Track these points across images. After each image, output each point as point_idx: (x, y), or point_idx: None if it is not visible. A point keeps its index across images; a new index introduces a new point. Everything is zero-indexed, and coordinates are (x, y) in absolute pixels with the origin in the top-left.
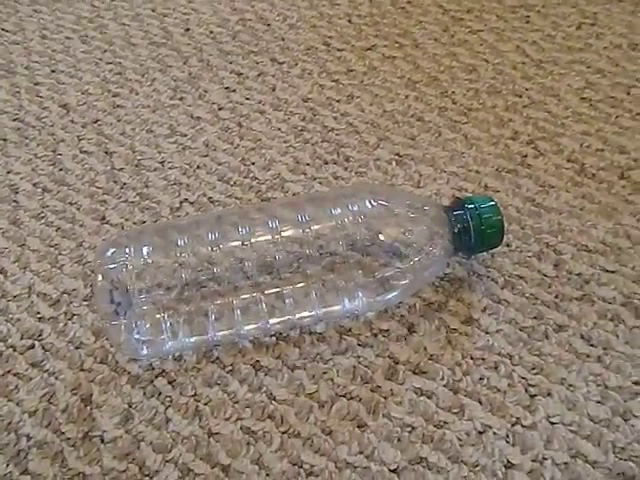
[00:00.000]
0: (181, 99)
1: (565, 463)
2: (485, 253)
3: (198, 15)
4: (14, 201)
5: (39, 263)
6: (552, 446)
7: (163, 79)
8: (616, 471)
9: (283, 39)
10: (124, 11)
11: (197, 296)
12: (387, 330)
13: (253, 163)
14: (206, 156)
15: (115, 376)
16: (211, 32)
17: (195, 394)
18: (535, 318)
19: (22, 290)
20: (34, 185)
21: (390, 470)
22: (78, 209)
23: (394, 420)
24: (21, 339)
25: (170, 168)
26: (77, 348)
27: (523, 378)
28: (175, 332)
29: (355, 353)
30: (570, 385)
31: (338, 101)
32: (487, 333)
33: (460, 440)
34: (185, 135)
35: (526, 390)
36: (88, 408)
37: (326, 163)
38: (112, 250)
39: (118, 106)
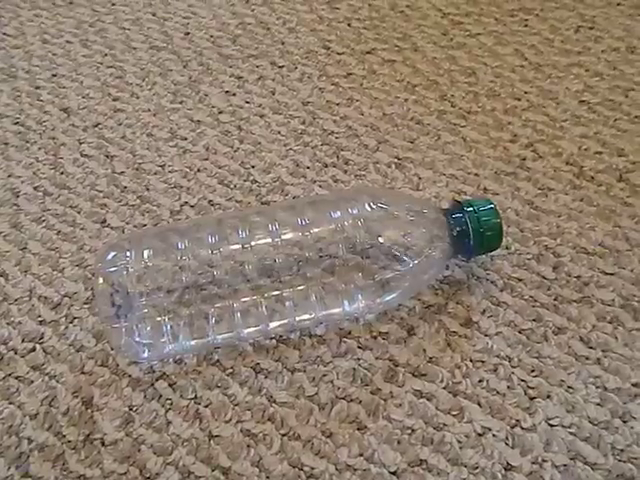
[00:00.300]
0: (181, 103)
1: (564, 465)
2: (484, 256)
3: (198, 19)
4: (15, 204)
5: (40, 266)
6: (551, 448)
7: (163, 83)
8: (615, 473)
9: (283, 43)
10: (124, 15)
11: (197, 299)
12: (387, 332)
13: (253, 166)
14: (206, 159)
15: (116, 379)
16: (211, 36)
17: (195, 397)
18: (534, 320)
19: (23, 293)
20: (35, 188)
21: (390, 472)
22: (79, 212)
23: (394, 422)
24: (22, 342)
25: (170, 171)
26: (78, 351)
27: (522, 380)
28: (175, 335)
29: (355, 355)
30: (569, 387)
31: (338, 104)
32: (486, 335)
33: (460, 442)
34: (185, 139)
35: (525, 392)
36: (89, 411)
37: (326, 166)
38: (113, 253)
39: (119, 110)
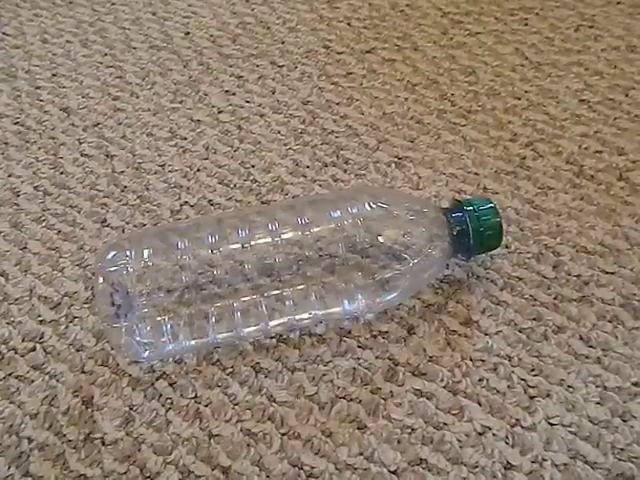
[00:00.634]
0: (181, 102)
1: (564, 464)
2: (484, 255)
3: (198, 19)
4: (15, 204)
5: (40, 266)
6: (551, 447)
7: (163, 82)
8: (615, 472)
9: (283, 42)
10: (124, 15)
11: (197, 298)
12: (387, 332)
13: (253, 166)
14: (206, 159)
15: (116, 378)
16: (211, 35)
17: (196, 396)
18: (534, 319)
19: (23, 293)
20: (35, 188)
21: (390, 471)
22: (79, 212)
23: (394, 422)
24: (22, 342)
25: (170, 171)
26: (78, 351)
27: (522, 379)
28: (176, 334)
29: (355, 355)
30: (569, 386)
31: (338, 104)
32: (486, 334)
33: (460, 441)
34: (185, 138)
35: (525, 391)
36: (89, 410)
37: (326, 165)
38: (113, 253)
39: (119, 109)
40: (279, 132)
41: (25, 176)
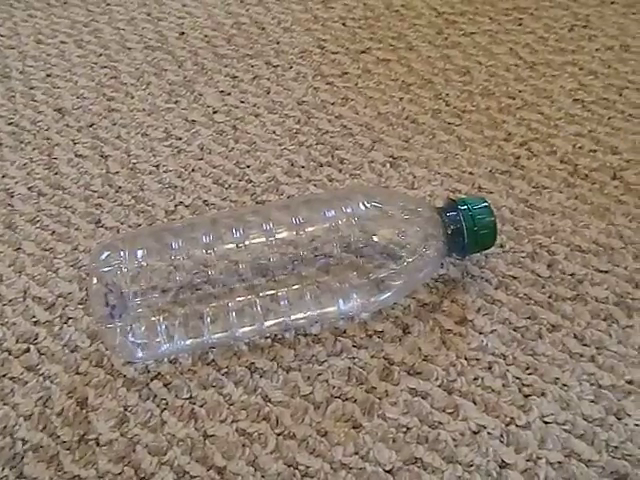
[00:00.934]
0: (176, 102)
1: (559, 462)
2: (479, 254)
3: (193, 19)
4: (9, 205)
5: (34, 267)
6: (546, 445)
7: (158, 83)
8: (610, 470)
9: (278, 42)
10: (119, 15)
11: (192, 299)
12: (382, 331)
13: (248, 166)
14: (201, 159)
15: (110, 379)
16: (206, 36)
17: (190, 396)
18: (529, 318)
19: (17, 294)
20: (29, 189)
21: (385, 471)
22: (73, 213)
23: (389, 421)
24: (16, 343)
25: (165, 171)
26: (72, 351)
27: (517, 378)
28: (170, 335)
29: (350, 354)
30: (564, 385)
31: (332, 104)
32: (481, 333)
33: (455, 440)
34: (180, 138)
35: (520, 390)
36: (84, 411)
37: (321, 165)
38: (107, 253)
39: (113, 110)
40: (274, 132)
41: (19, 177)
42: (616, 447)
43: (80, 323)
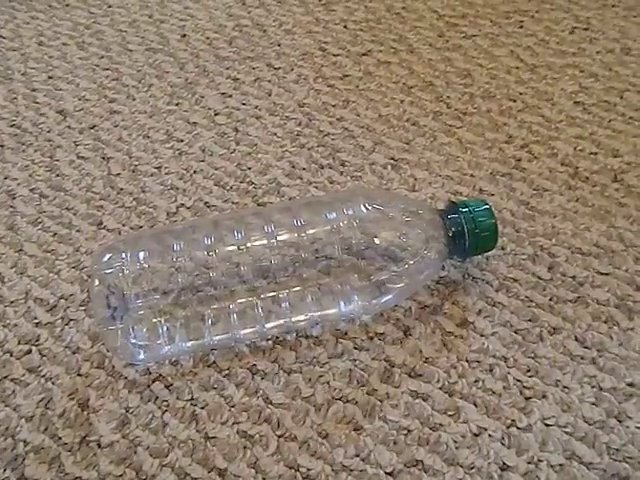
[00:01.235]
0: (178, 105)
1: (560, 465)
2: (480, 256)
3: (194, 21)
4: (11, 207)
5: (36, 268)
6: (547, 448)
7: (160, 85)
8: (611, 472)
9: (279, 45)
10: (121, 17)
11: (193, 300)
12: (383, 333)
13: (249, 168)
14: (202, 161)
15: (112, 381)
16: (207, 38)
17: (192, 398)
18: (530, 320)
19: (19, 295)
20: (31, 191)
21: (386, 473)
22: (75, 214)
23: (390, 423)
24: (18, 344)
25: (167, 173)
26: (74, 353)
27: (518, 380)
28: (172, 337)
29: (351, 356)
30: (565, 387)
31: (334, 106)
32: (482, 336)
33: (456, 442)
34: (182, 140)
35: (521, 392)
36: (85, 413)
37: (322, 167)
38: (108, 255)
39: (115, 112)
40: (275, 134)
41: (21, 178)
42: (617, 450)
43: (82, 325)
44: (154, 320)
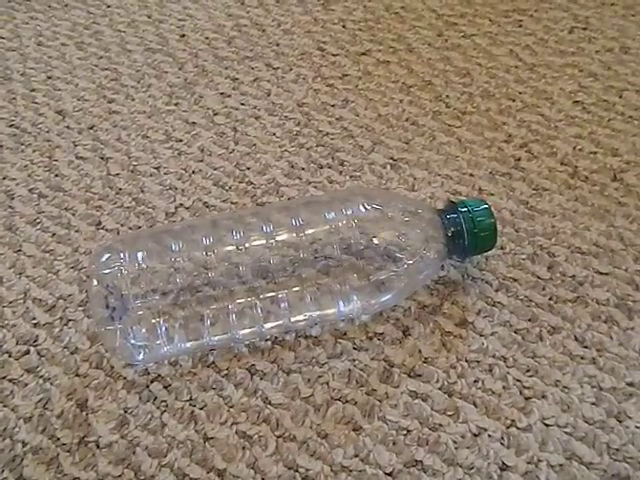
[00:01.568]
0: (177, 105)
1: (560, 465)
2: (479, 256)
3: (193, 21)
4: (10, 207)
5: (35, 269)
6: (547, 448)
7: (159, 85)
8: (611, 472)
9: (278, 44)
10: (120, 17)
11: (192, 301)
12: (382, 333)
13: (248, 168)
14: (201, 161)
15: (110, 381)
16: (206, 38)
17: (191, 399)
18: (529, 320)
19: (17, 296)
20: (30, 191)
21: (385, 473)
22: (74, 215)
23: (389, 423)
24: (16, 345)
25: (166, 173)
26: (72, 353)
27: (518, 380)
28: (171, 337)
29: (350, 356)
30: (564, 387)
31: (333, 106)
32: (481, 336)
33: (455, 443)
34: (180, 140)
35: (521, 392)
36: (83, 413)
37: (321, 167)
38: (107, 255)
39: (114, 112)
40: (274, 134)
41: (20, 179)
42: (617, 449)
43: (80, 325)
44: (153, 320)
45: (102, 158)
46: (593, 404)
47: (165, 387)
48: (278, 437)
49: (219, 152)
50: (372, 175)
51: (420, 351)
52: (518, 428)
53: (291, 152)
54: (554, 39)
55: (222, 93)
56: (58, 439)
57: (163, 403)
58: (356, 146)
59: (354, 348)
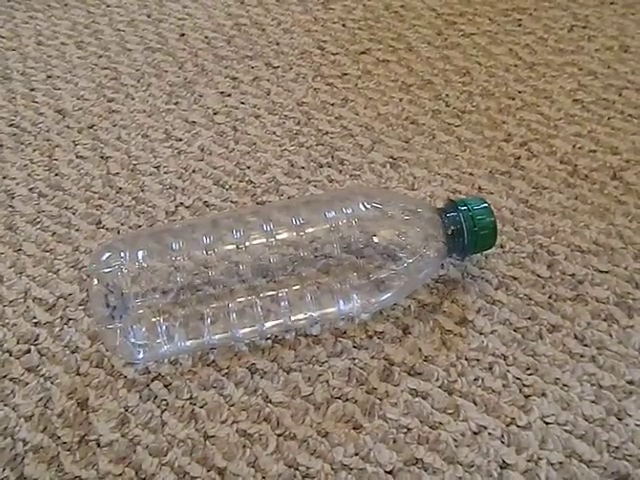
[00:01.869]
0: (176, 104)
1: (560, 463)
2: (479, 254)
3: (193, 20)
4: (10, 206)
5: (35, 268)
6: (547, 446)
7: (158, 84)
8: (611, 470)
9: (278, 43)
10: (119, 17)
11: (193, 300)
12: (382, 332)
13: (248, 167)
14: (201, 160)
15: (111, 380)
16: (206, 37)
17: (191, 397)
18: (529, 319)
19: (18, 295)
20: (30, 190)
21: (386, 471)
22: (74, 214)
23: (389, 421)
24: (17, 344)
25: (166, 172)
26: (73, 352)
27: (517, 378)
28: (171, 336)
29: (350, 355)
30: (564, 385)
31: (332, 105)
32: (481, 334)
33: (455, 441)
34: (180, 139)
35: (520, 390)
36: (84, 412)
37: (321, 166)
38: (107, 254)
39: (114, 111)
40: (274, 133)
41: (20, 178)
42: (617, 447)
43: (81, 324)
44: (153, 319)
45: (102, 157)
46: (593, 402)
47: (165, 386)
48: (278, 436)
49: (219, 151)
50: (372, 174)
51: (420, 349)
52: (518, 426)
53: (291, 151)
54: (554, 38)
55: (222, 92)
56: (59, 438)
57: (163, 402)
58: (356, 145)
59: (354, 347)
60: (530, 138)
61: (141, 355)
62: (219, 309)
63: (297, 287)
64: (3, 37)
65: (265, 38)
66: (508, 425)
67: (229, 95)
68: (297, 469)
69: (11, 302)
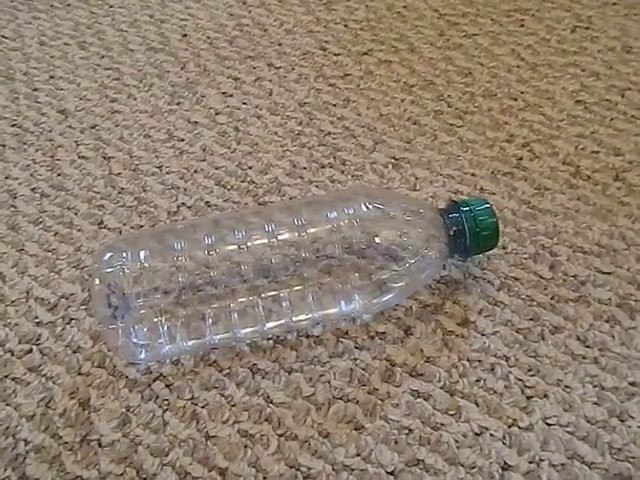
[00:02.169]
0: (178, 104)
1: (562, 464)
2: (481, 255)
3: (195, 21)
4: (12, 206)
5: (37, 268)
6: (549, 447)
7: (161, 84)
8: (613, 472)
9: (280, 44)
10: (122, 17)
11: (194, 300)
12: (384, 332)
13: (250, 167)
14: (203, 160)
15: (113, 380)
16: (208, 37)
17: (192, 397)
18: (531, 320)
19: (20, 295)
20: (32, 190)
21: (387, 472)
22: (76, 214)
23: (391, 422)
24: (19, 344)
25: (168, 172)
26: (75, 352)
27: (519, 380)
28: (172, 336)
29: (352, 356)
30: (566, 386)
31: (334, 105)
32: (483, 335)
33: (457, 442)
34: (182, 140)
35: (522, 392)
36: (86, 412)
37: (323, 167)
38: (109, 254)
39: (116, 111)
40: (276, 133)
41: (22, 178)
42: (619, 449)
43: (82, 324)
44: (155, 319)
45: (104, 157)
46: (595, 404)
47: (167, 386)
48: (280, 436)
49: (221, 151)
50: (374, 174)
51: (422, 350)
52: (520, 427)
53: (293, 151)
54: (556, 39)
55: (224, 93)
56: (60, 437)
57: (165, 402)
58: (358, 146)
59: (356, 347)
60: (532, 139)
61: (143, 355)
62: (221, 309)
63: (299, 287)
64: (6, 37)
65: (267, 39)
66: (510, 426)
67: (231, 95)
68: (298, 469)
69: (13, 302)
